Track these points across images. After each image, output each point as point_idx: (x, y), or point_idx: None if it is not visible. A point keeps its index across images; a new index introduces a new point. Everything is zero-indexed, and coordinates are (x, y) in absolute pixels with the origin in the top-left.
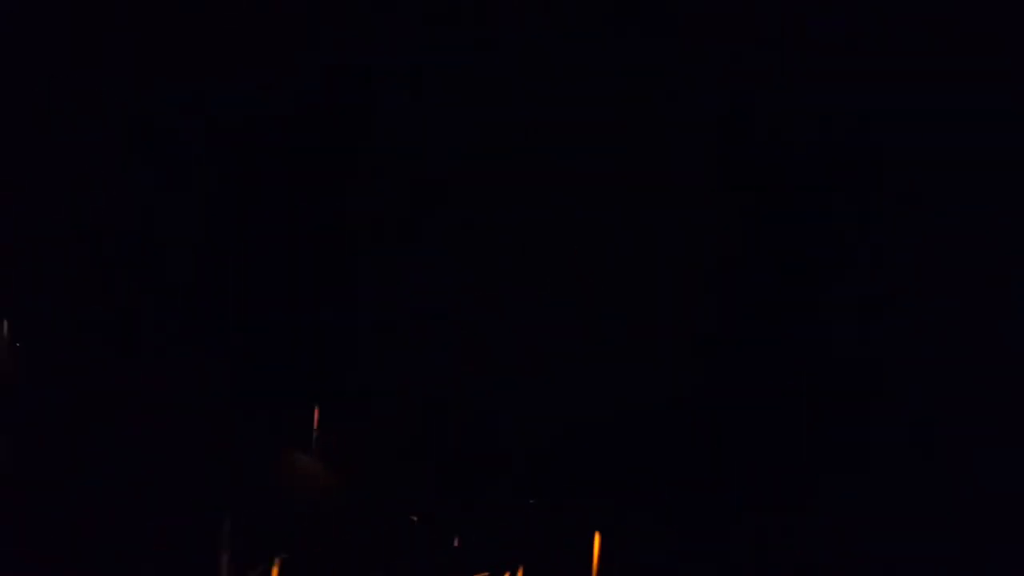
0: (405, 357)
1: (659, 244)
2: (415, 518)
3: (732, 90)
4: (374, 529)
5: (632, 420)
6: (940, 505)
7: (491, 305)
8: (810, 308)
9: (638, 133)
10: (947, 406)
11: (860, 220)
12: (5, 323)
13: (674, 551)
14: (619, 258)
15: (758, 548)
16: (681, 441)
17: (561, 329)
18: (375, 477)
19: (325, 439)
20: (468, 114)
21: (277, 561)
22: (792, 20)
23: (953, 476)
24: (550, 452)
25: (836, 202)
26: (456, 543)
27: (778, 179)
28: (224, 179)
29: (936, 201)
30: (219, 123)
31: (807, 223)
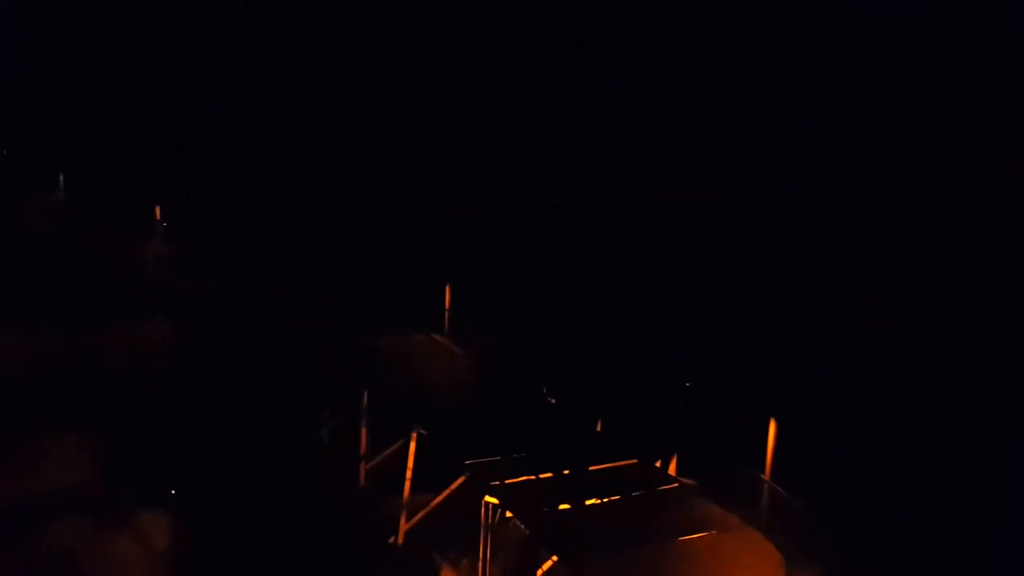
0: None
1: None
2: (553, 400)
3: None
4: (510, 408)
5: None
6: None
7: None
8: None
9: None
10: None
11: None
12: None
13: None
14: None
15: None
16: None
17: None
18: (511, 356)
19: (460, 319)
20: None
21: (414, 435)
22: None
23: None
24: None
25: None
26: (598, 427)
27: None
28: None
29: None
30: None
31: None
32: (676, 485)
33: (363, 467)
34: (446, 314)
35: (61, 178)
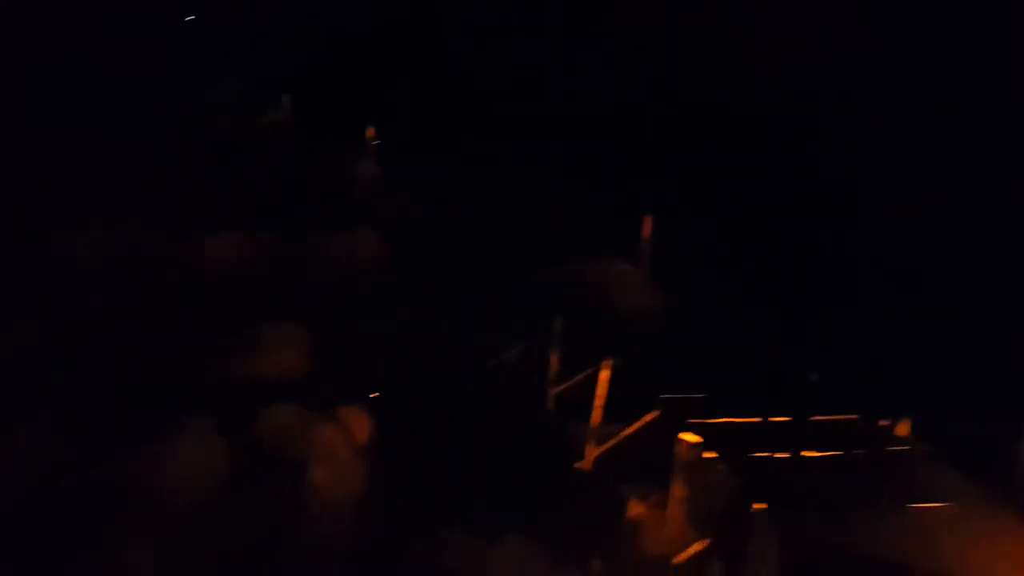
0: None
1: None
2: (764, 345)
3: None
4: (710, 346)
5: None
6: None
7: None
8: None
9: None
10: None
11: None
12: None
13: None
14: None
15: None
16: None
17: None
18: (707, 289)
19: (655, 250)
20: None
21: (606, 364)
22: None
23: None
24: None
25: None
26: (815, 377)
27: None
28: None
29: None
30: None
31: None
32: (907, 447)
33: (552, 391)
34: (647, 244)
35: (284, 98)
